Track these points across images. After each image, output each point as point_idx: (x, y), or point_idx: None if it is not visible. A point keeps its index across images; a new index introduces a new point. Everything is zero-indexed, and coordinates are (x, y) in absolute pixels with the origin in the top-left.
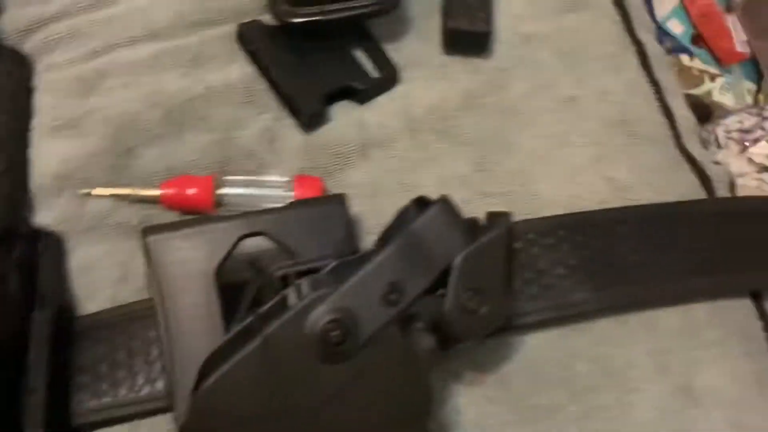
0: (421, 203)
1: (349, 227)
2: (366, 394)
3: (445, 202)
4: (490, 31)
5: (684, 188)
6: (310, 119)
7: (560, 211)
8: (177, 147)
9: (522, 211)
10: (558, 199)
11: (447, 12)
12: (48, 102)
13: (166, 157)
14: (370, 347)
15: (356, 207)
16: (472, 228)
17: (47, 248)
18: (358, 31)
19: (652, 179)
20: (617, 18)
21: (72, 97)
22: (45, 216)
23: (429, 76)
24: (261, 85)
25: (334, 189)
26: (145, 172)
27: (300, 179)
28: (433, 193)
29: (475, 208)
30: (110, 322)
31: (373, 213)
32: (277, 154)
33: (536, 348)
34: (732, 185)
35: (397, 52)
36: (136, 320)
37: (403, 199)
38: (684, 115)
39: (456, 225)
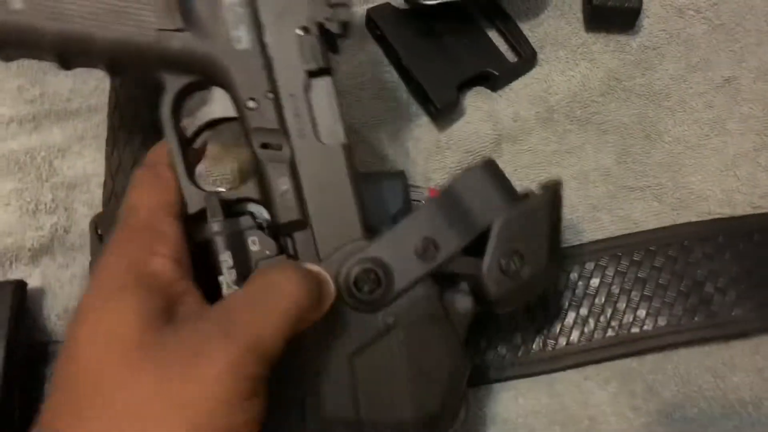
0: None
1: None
2: (397, 348)
3: (489, 163)
4: (640, 6)
5: None
6: (444, 110)
7: (714, 207)
8: None
9: (672, 206)
10: (712, 194)
11: None
12: None
13: None
14: (404, 300)
15: None
16: (520, 194)
17: None
18: (493, 8)
19: None
20: None
21: None
22: None
23: (569, 57)
24: (391, 76)
25: None
26: None
27: (434, 192)
28: (572, 190)
29: (619, 204)
30: None
31: None
32: (408, 154)
33: (687, 357)
34: None
35: (532, 30)
36: None
37: None
38: None
39: (499, 187)
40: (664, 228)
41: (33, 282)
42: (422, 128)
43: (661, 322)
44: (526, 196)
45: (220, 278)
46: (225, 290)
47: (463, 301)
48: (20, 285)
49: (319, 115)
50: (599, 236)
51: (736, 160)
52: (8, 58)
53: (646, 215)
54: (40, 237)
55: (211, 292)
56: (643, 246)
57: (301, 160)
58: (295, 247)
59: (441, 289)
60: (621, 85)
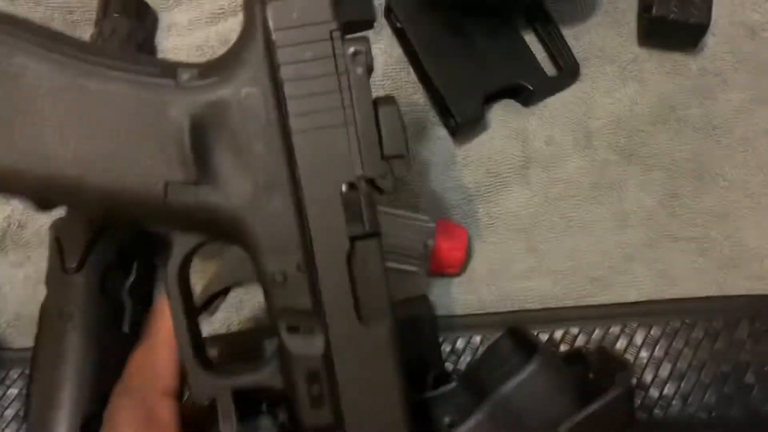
0: (518, 338)
1: None
2: None
3: (545, 354)
4: (708, 23)
5: None
6: (465, 126)
7: None
8: None
9: (719, 265)
10: None
11: None
12: None
13: None
14: None
15: (506, 242)
16: (580, 382)
17: None
18: (535, 9)
19: None
20: None
21: None
22: None
23: (616, 74)
24: (407, 75)
25: (481, 217)
26: None
27: (444, 226)
28: (608, 231)
29: (659, 255)
30: None
31: (527, 252)
32: (419, 168)
33: None
34: None
35: (577, 39)
36: None
37: (567, 238)
38: None
39: (560, 384)
40: (707, 298)
41: None
42: (439, 140)
43: (690, 408)
44: (591, 386)
45: None
46: None
47: None
48: None
49: (362, 291)
50: (631, 292)
51: None
52: None
53: (688, 272)
54: None
55: None
56: (679, 316)
57: (338, 350)
58: None
59: None
60: (675, 114)
